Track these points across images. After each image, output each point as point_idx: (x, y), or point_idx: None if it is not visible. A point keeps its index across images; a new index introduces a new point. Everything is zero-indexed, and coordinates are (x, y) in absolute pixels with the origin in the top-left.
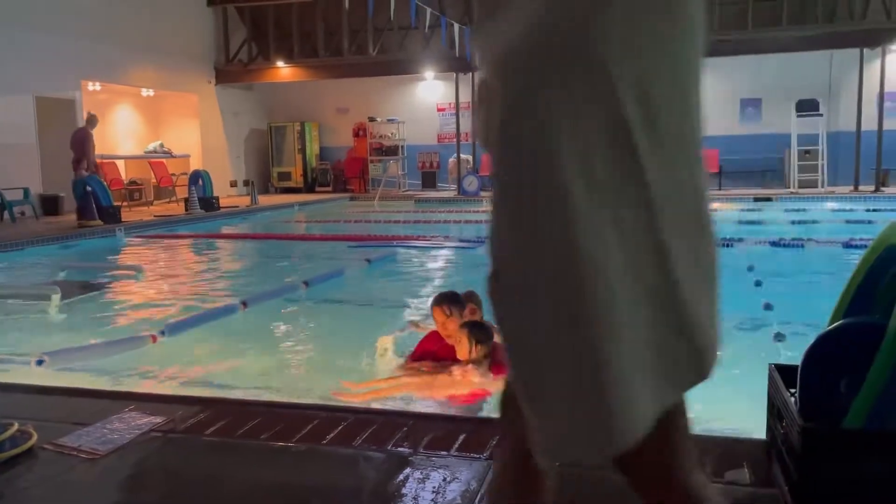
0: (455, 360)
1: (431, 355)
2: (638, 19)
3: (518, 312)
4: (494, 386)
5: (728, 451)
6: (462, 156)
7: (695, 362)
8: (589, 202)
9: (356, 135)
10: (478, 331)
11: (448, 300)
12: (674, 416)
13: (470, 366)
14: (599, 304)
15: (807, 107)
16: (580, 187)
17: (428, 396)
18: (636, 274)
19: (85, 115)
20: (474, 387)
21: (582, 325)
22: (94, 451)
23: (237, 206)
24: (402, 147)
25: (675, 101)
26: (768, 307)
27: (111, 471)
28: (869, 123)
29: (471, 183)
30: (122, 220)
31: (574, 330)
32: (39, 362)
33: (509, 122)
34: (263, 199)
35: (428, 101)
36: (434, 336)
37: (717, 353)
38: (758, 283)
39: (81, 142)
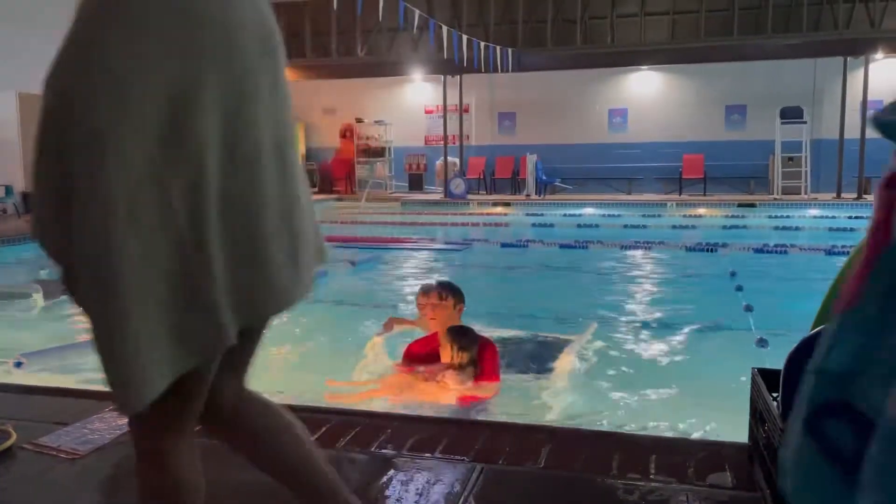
0: (440, 363)
1: (419, 358)
2: None
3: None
4: (480, 390)
5: (710, 454)
6: (449, 159)
7: (212, 335)
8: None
9: (343, 136)
10: (461, 336)
11: (447, 287)
12: (198, 375)
13: (450, 370)
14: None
15: (791, 114)
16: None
17: (412, 399)
18: (153, 260)
19: None
20: (458, 391)
21: (109, 300)
22: (73, 451)
23: None
24: (390, 149)
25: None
26: (748, 309)
27: (91, 471)
28: (852, 131)
29: (458, 186)
30: None
31: (104, 305)
32: (18, 364)
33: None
34: None
35: (416, 103)
36: (421, 341)
37: (230, 327)
38: (739, 289)
39: None
